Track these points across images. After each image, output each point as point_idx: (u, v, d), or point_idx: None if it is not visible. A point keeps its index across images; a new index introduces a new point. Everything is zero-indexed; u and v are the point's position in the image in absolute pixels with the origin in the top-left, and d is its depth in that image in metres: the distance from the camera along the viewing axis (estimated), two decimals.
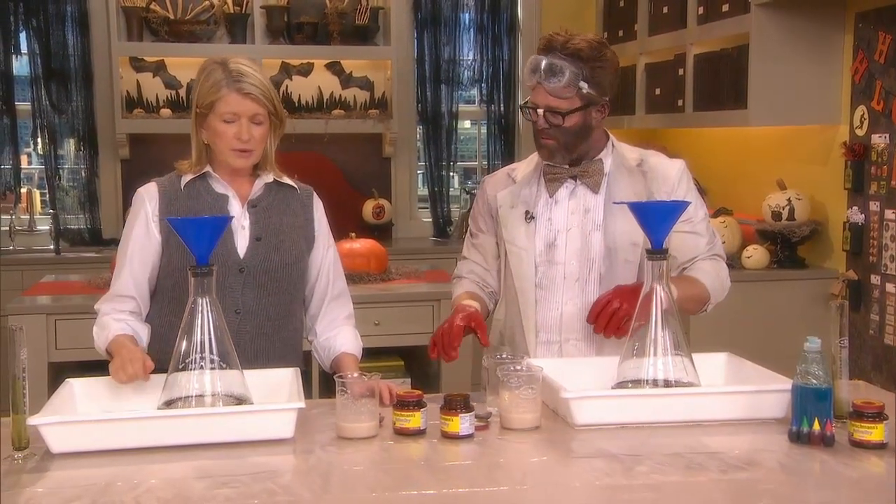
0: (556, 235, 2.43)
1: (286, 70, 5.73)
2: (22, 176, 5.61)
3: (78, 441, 1.89)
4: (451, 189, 6.08)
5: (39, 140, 5.51)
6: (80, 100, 5.49)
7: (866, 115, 3.97)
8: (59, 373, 3.39)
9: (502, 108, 5.98)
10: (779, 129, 4.49)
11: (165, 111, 5.50)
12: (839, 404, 1.96)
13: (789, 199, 4.24)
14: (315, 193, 2.48)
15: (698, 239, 2.43)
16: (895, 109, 3.79)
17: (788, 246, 4.28)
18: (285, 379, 2.17)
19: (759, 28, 4.12)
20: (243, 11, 5.57)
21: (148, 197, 2.35)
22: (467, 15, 5.93)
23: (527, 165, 2.53)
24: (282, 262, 2.36)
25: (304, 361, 2.47)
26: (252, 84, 2.26)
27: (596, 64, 2.32)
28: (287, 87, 5.70)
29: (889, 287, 3.86)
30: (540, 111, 2.35)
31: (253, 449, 1.91)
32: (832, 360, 1.98)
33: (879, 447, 1.86)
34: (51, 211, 5.54)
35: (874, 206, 3.94)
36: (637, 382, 2.11)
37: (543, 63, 2.31)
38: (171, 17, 5.49)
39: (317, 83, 5.76)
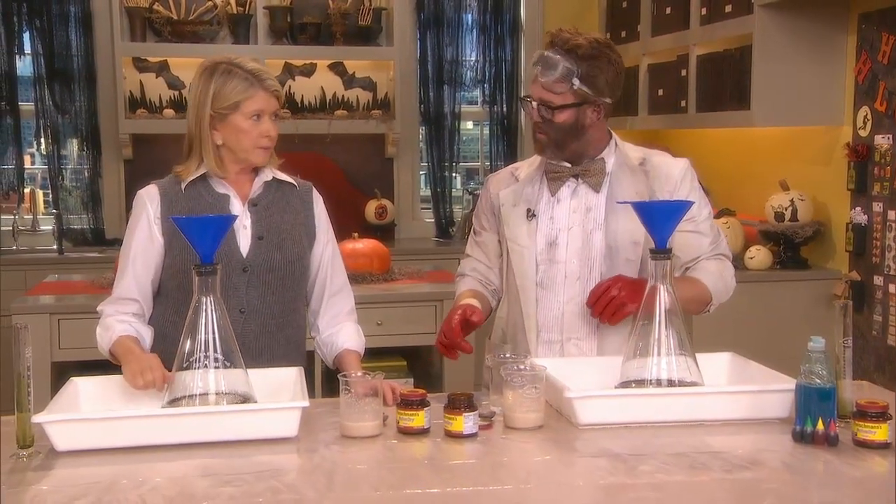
0: (557, 234, 2.43)
1: (289, 70, 5.73)
2: (25, 176, 5.61)
3: (83, 439, 1.89)
4: (453, 190, 6.09)
5: (43, 140, 5.51)
6: (84, 100, 5.50)
7: (869, 116, 3.97)
8: (61, 372, 3.40)
9: (505, 109, 5.97)
10: (782, 130, 4.49)
11: (168, 111, 5.50)
12: (843, 404, 1.96)
13: (792, 200, 4.24)
14: (314, 189, 2.49)
15: (702, 238, 2.43)
16: None
17: (791, 247, 4.28)
18: (289, 378, 2.17)
19: (762, 29, 4.12)
20: (246, 12, 5.58)
21: (149, 199, 2.35)
22: (470, 16, 5.94)
23: (530, 164, 2.53)
24: (285, 259, 2.36)
25: (307, 359, 2.48)
26: (273, 81, 2.33)
27: (593, 63, 2.32)
28: (290, 87, 5.70)
29: (892, 288, 3.85)
30: (534, 104, 2.37)
31: (257, 448, 1.91)
32: (836, 360, 1.98)
33: (883, 447, 1.86)
34: (54, 211, 5.54)
35: (877, 206, 3.94)
36: (641, 382, 2.10)
37: (540, 56, 2.34)
38: (175, 17, 5.50)
39: (320, 84, 5.77)
